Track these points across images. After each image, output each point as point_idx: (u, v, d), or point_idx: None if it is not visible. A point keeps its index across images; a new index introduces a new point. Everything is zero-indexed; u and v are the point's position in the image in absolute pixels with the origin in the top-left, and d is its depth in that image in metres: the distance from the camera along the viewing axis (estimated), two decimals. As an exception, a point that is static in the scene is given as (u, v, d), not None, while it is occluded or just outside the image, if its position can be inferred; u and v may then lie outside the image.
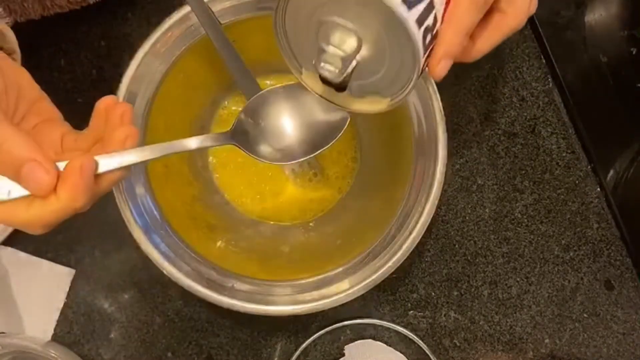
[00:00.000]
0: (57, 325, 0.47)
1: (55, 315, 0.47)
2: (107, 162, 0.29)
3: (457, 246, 0.49)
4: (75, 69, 0.50)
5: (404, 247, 0.39)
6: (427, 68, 0.30)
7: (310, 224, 0.48)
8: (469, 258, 0.49)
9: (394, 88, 0.31)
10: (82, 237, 0.48)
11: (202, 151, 0.48)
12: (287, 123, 0.36)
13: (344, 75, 0.30)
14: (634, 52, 0.51)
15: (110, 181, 0.30)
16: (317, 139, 0.36)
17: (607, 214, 0.50)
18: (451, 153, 0.45)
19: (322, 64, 0.30)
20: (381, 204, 0.44)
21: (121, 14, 0.50)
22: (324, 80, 0.32)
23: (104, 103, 0.31)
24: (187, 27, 0.41)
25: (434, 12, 0.28)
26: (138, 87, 0.40)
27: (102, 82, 0.49)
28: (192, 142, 0.33)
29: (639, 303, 0.49)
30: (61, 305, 0.47)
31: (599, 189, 0.50)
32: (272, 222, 0.49)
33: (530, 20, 0.32)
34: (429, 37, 0.28)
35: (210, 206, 0.47)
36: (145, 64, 0.40)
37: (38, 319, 0.47)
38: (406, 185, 0.41)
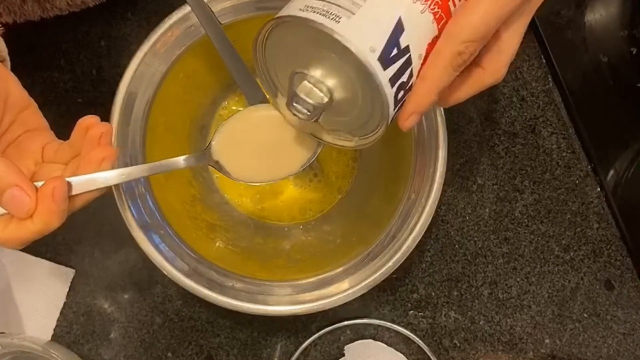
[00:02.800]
0: (57, 325, 0.47)
1: (55, 315, 0.47)
2: (81, 185, 0.30)
3: (457, 246, 0.49)
4: (75, 69, 0.50)
5: (404, 247, 0.39)
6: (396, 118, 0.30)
7: (310, 224, 0.49)
8: (469, 258, 0.49)
9: (363, 131, 0.31)
10: (82, 237, 0.48)
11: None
12: (253, 146, 0.36)
13: (314, 119, 0.30)
14: (634, 52, 0.51)
15: (84, 200, 0.31)
16: (287, 160, 0.36)
17: (607, 214, 0.50)
18: (451, 153, 0.45)
19: (293, 104, 0.30)
20: (381, 204, 0.44)
21: (121, 14, 0.50)
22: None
23: (85, 122, 0.32)
24: (187, 27, 0.41)
25: (410, 68, 0.28)
26: (138, 87, 0.40)
27: (102, 82, 0.49)
28: (170, 164, 0.34)
29: (639, 303, 0.49)
30: (61, 305, 0.47)
31: (599, 189, 0.50)
32: (271, 222, 0.49)
33: (531, 20, 0.32)
34: (401, 93, 0.28)
35: (210, 206, 0.47)
36: (145, 64, 0.40)
37: (38, 319, 0.47)
38: (406, 185, 0.41)
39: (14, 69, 0.36)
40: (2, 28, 0.39)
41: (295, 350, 0.47)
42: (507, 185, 0.50)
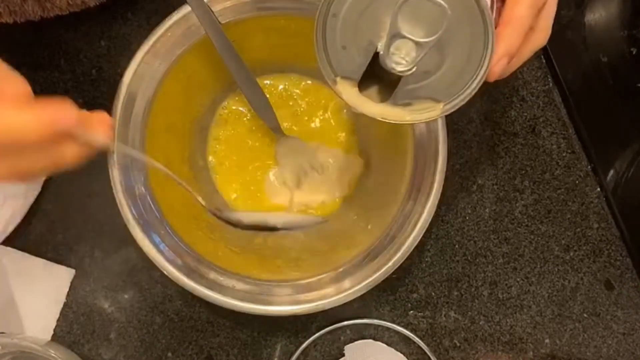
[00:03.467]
0: (57, 325, 0.47)
1: (55, 315, 0.47)
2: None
3: (457, 246, 0.49)
4: (75, 69, 0.50)
5: (404, 247, 0.39)
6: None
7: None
8: (469, 258, 0.49)
9: (451, 90, 0.30)
10: (82, 237, 0.48)
11: (202, 151, 0.48)
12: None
13: (413, 66, 0.28)
14: (634, 52, 0.51)
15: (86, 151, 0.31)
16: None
17: (607, 214, 0.50)
18: (451, 153, 0.45)
19: (391, 54, 0.28)
20: (381, 204, 0.44)
21: (121, 14, 0.50)
22: (365, 89, 0.31)
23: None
24: (187, 27, 0.41)
25: (495, 6, 0.28)
26: (138, 87, 0.40)
27: (102, 82, 0.49)
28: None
29: (639, 303, 0.49)
30: (61, 305, 0.47)
31: (599, 189, 0.50)
32: (272, 222, 0.49)
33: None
34: (494, 15, 0.28)
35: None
36: (145, 64, 0.40)
37: (38, 319, 0.47)
38: (406, 185, 0.41)
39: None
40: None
41: (295, 350, 0.47)
42: (507, 185, 0.50)
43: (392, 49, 0.29)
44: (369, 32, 0.29)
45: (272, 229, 0.41)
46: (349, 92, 0.31)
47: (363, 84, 0.31)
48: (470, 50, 0.28)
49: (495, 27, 0.29)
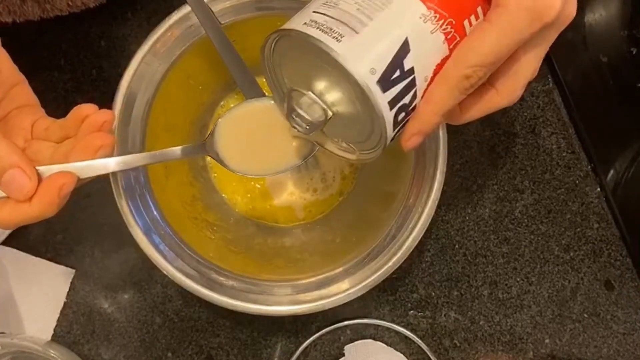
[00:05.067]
0: (57, 325, 0.47)
1: (55, 315, 0.47)
2: (78, 171, 0.29)
3: (457, 246, 0.49)
4: (75, 69, 0.50)
5: (404, 247, 0.39)
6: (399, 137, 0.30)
7: (310, 224, 0.48)
8: (469, 258, 0.49)
9: (364, 147, 0.30)
10: (82, 237, 0.48)
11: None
12: (253, 138, 0.35)
13: (311, 133, 0.30)
14: (634, 52, 0.51)
15: (76, 186, 0.30)
16: (287, 153, 0.35)
17: (607, 214, 0.50)
18: (451, 153, 0.45)
19: (292, 118, 0.30)
20: (381, 204, 0.44)
21: (121, 14, 0.50)
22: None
23: (82, 111, 0.31)
24: (187, 27, 0.41)
25: (414, 89, 0.27)
26: (138, 87, 0.40)
27: (102, 82, 0.49)
28: (173, 153, 0.33)
29: (639, 303, 0.49)
30: (61, 305, 0.47)
31: (599, 189, 0.50)
32: (272, 223, 0.49)
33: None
34: (402, 115, 0.27)
35: (210, 206, 0.47)
36: (145, 64, 0.40)
37: (38, 319, 0.47)
38: (406, 185, 0.41)
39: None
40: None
41: (295, 350, 0.47)
42: (507, 185, 0.50)
43: (292, 115, 0.30)
44: (296, 76, 0.30)
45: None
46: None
47: None
48: (371, 126, 0.28)
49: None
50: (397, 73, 0.26)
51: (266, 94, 0.45)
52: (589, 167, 0.50)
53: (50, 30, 0.48)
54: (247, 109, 0.35)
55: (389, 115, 0.27)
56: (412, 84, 0.27)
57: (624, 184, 0.50)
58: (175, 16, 0.40)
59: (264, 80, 0.48)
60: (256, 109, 0.35)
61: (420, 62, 0.26)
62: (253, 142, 0.35)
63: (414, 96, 0.27)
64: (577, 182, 0.50)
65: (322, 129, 0.30)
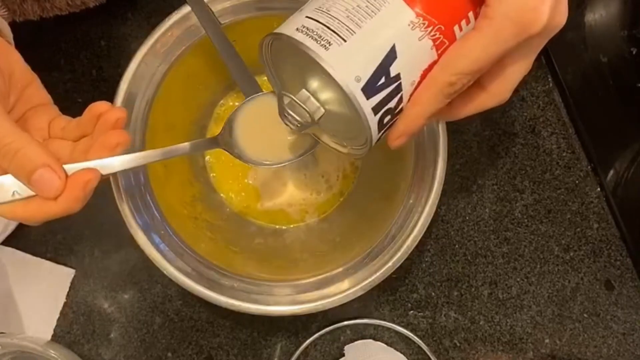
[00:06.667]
0: (57, 325, 0.47)
1: (55, 315, 0.47)
2: (105, 168, 0.30)
3: (457, 246, 0.49)
4: (75, 69, 0.50)
5: (404, 247, 0.39)
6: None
7: (311, 224, 0.48)
8: (469, 258, 0.49)
9: (354, 143, 0.31)
10: (82, 237, 0.48)
11: (200, 152, 0.48)
12: (262, 129, 0.36)
13: (303, 131, 0.31)
14: (634, 52, 0.51)
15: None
16: (299, 143, 0.36)
17: (607, 214, 0.50)
18: (451, 153, 0.45)
19: (285, 115, 0.30)
20: (381, 204, 0.44)
21: (121, 14, 0.50)
22: None
23: (97, 108, 0.31)
24: (187, 27, 0.41)
25: (400, 94, 0.28)
26: (138, 87, 0.40)
27: (102, 82, 0.49)
28: (184, 148, 0.34)
29: (639, 303, 0.49)
30: (61, 305, 0.47)
31: (599, 189, 0.50)
32: (272, 224, 0.49)
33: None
34: (387, 118, 0.28)
35: (210, 206, 0.47)
36: (145, 64, 0.40)
37: (38, 319, 0.47)
38: (406, 185, 0.41)
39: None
40: (6, 11, 0.39)
41: (295, 350, 0.47)
42: (507, 185, 0.50)
43: (284, 113, 0.31)
44: (292, 75, 0.30)
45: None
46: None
47: None
48: (357, 128, 0.29)
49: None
50: (383, 80, 0.26)
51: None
52: (589, 167, 0.50)
53: (50, 30, 0.48)
54: (259, 102, 0.36)
55: (373, 119, 0.27)
56: (398, 89, 0.27)
57: (624, 184, 0.50)
58: (175, 16, 0.40)
59: (264, 79, 0.48)
60: (268, 102, 0.35)
61: (407, 68, 0.27)
62: (266, 133, 0.36)
63: (400, 100, 0.28)
64: (577, 182, 0.50)
65: (317, 123, 0.31)
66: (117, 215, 0.39)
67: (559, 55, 0.50)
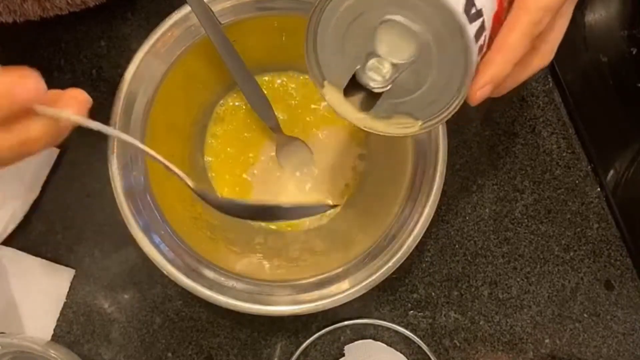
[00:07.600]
0: (57, 325, 0.47)
1: (55, 315, 0.47)
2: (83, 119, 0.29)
3: (457, 246, 0.49)
4: (75, 69, 0.50)
5: (404, 247, 0.39)
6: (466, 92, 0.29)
7: (311, 224, 0.48)
8: (469, 258, 0.49)
9: (430, 110, 0.30)
10: (82, 237, 0.48)
11: (202, 150, 0.48)
12: None
13: (387, 85, 0.29)
14: (634, 52, 0.51)
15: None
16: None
17: (607, 214, 0.50)
18: (451, 153, 0.45)
19: (367, 70, 0.29)
20: (381, 204, 0.44)
21: (121, 14, 0.50)
22: (350, 95, 0.31)
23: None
24: (187, 27, 0.41)
25: (484, 33, 0.27)
26: (138, 87, 0.40)
27: (102, 82, 0.49)
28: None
29: (639, 303, 0.49)
30: (61, 305, 0.47)
31: (599, 189, 0.50)
32: (271, 224, 0.49)
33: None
34: (479, 58, 0.27)
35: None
36: (145, 64, 0.40)
37: (38, 319, 0.47)
38: (406, 185, 0.41)
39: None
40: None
41: (295, 350, 0.47)
42: (507, 185, 0.50)
43: (368, 66, 0.29)
44: (355, 44, 0.29)
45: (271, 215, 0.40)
46: (334, 96, 0.31)
47: (348, 91, 0.31)
48: (450, 73, 0.28)
49: (485, 53, 0.28)
50: (473, 10, 0.26)
51: (265, 93, 0.45)
52: (589, 167, 0.50)
53: (50, 30, 0.48)
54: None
55: (475, 50, 0.26)
56: (483, 26, 0.27)
57: (624, 184, 0.49)
58: (175, 16, 0.40)
59: (265, 79, 0.48)
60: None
61: (486, 6, 0.27)
62: None
63: (484, 41, 0.27)
64: (577, 182, 0.50)
65: (383, 105, 0.30)
66: (117, 215, 0.39)
67: (559, 55, 0.50)
